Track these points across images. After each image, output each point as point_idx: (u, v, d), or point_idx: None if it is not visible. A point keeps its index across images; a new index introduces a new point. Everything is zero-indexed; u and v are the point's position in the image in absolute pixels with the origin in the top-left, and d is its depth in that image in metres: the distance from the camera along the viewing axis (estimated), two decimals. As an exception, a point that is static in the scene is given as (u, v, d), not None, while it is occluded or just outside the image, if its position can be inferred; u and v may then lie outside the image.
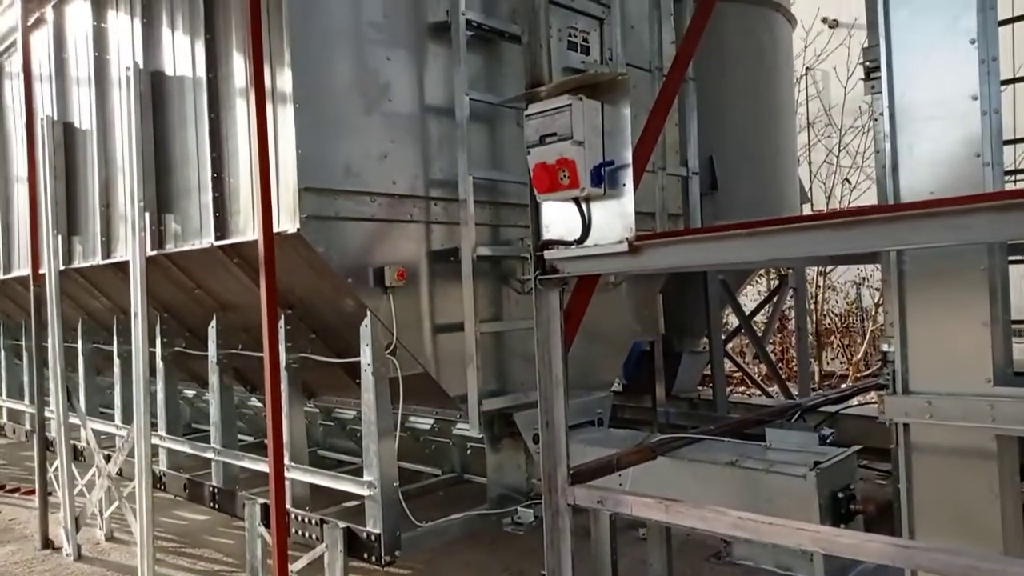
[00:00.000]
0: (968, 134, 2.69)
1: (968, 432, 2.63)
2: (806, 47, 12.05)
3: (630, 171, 2.95)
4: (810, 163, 12.18)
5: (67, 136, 5.75)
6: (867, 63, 3.16)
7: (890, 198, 2.84)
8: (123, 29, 5.00)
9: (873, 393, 5.97)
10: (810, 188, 11.39)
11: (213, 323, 4.83)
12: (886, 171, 2.90)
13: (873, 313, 11.11)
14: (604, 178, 2.97)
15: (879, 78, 2.96)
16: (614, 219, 2.99)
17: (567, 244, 3.12)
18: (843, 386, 9.32)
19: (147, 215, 4.51)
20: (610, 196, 2.99)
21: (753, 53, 6.27)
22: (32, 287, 5.82)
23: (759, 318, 8.71)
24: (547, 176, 3.01)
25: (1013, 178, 5.82)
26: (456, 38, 3.88)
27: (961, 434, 2.65)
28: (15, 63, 6.56)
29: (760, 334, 7.75)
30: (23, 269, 6.51)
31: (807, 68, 12.92)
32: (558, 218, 3.18)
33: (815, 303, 11.43)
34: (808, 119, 12.43)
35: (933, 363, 2.74)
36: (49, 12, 5.93)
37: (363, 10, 3.72)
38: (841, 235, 2.26)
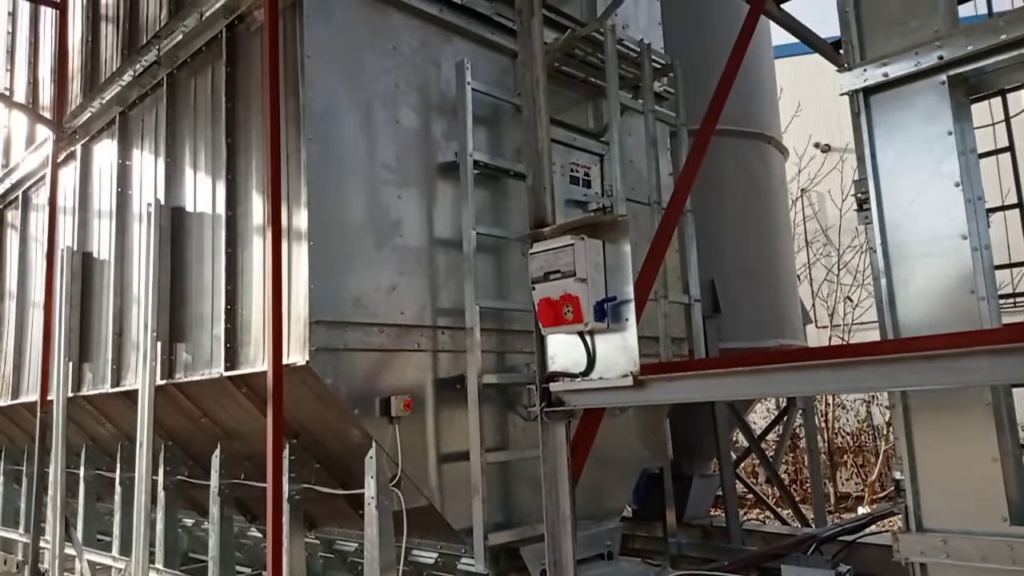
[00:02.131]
0: (961, 271, 2.77)
1: (989, 573, 2.55)
2: (800, 171, 12.51)
3: (632, 306, 3.03)
4: (811, 281, 12.37)
5: (85, 265, 5.93)
6: (859, 195, 3.30)
7: (889, 332, 2.89)
8: (147, 167, 5.27)
9: (889, 521, 5.80)
10: (812, 307, 11.51)
11: (217, 452, 4.80)
12: (884, 304, 2.97)
13: (885, 432, 10.94)
14: (607, 313, 3.05)
15: (870, 209, 3.09)
16: (618, 352, 3.05)
17: (572, 376, 3.16)
18: (860, 510, 9.04)
19: (159, 344, 4.58)
20: (613, 330, 3.06)
21: (748, 182, 6.52)
22: (39, 413, 5.83)
23: (770, 436, 8.58)
24: (552, 311, 3.10)
25: (1013, 301, 5.90)
26: (464, 177, 4.07)
27: (982, 575, 2.58)
28: (41, 196, 6.86)
29: (772, 455, 7.61)
30: (31, 395, 6.53)
31: (803, 190, 13.35)
32: (563, 350, 3.23)
33: (826, 422, 11.28)
34: (806, 238, 12.73)
35: (945, 499, 2.70)
36: (78, 149, 6.26)
37: (377, 154, 3.93)
38: (840, 375, 2.30)
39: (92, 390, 5.65)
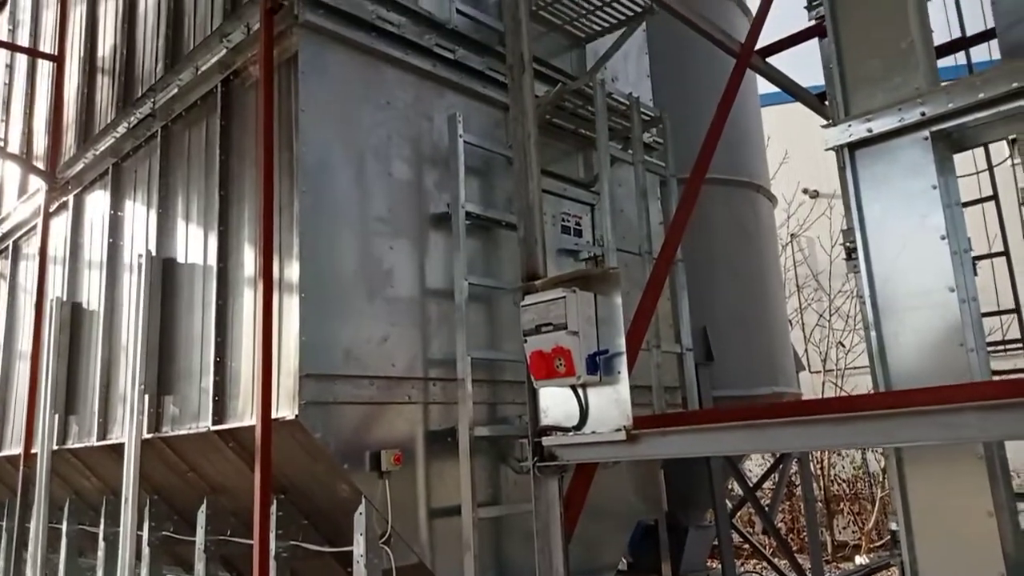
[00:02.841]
0: (949, 323, 2.79)
1: (990, 633, 2.51)
2: (789, 217, 12.64)
3: (624, 359, 3.02)
4: (803, 326, 12.40)
5: (74, 316, 5.88)
6: (847, 244, 3.32)
7: (881, 385, 2.89)
8: (139, 218, 5.27)
9: (888, 571, 5.71)
10: (805, 352, 11.52)
11: (203, 507, 4.71)
12: (875, 357, 2.98)
13: (881, 479, 10.85)
14: (599, 366, 3.04)
15: (859, 260, 3.11)
16: (610, 405, 3.03)
17: (565, 430, 3.14)
18: (857, 559, 8.91)
19: (146, 397, 4.53)
20: (606, 383, 3.05)
21: (738, 230, 6.58)
22: (22, 467, 5.71)
23: (766, 485, 8.49)
24: (544, 364, 3.09)
25: (1004, 347, 5.92)
26: (456, 228, 4.08)
27: (983, 635, 2.53)
28: (32, 245, 6.85)
29: (768, 504, 7.51)
30: (15, 448, 6.41)
31: (792, 235, 13.47)
32: (555, 403, 3.21)
33: (821, 469, 11.19)
34: (797, 283, 12.80)
35: (941, 554, 2.67)
36: (70, 200, 6.28)
37: (369, 206, 3.95)
38: (835, 430, 2.28)
39: (77, 443, 5.55)
